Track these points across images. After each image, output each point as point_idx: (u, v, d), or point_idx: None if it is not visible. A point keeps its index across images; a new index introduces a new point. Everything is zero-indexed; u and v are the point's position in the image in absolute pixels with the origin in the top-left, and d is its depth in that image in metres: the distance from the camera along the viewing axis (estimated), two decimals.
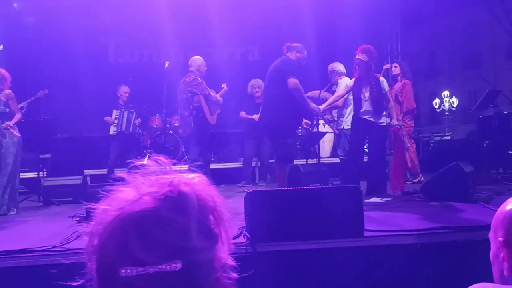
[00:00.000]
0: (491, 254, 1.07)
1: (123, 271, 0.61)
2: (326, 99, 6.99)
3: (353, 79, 5.99)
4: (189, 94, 5.92)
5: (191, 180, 0.69)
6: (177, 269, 0.61)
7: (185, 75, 6.13)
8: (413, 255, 3.10)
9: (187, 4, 8.83)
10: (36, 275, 2.83)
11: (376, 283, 3.06)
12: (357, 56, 5.73)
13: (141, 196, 0.65)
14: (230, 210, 0.73)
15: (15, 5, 9.28)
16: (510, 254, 1.00)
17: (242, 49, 10.10)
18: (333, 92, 6.94)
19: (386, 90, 5.90)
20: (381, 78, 5.91)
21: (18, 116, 5.63)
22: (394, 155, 6.29)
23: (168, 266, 0.61)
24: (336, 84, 6.67)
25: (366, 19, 9.27)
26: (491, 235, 1.07)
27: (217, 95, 6.25)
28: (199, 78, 6.00)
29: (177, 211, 0.64)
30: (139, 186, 0.67)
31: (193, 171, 0.72)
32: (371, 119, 5.76)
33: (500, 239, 1.02)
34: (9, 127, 5.40)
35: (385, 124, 5.84)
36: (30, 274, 2.87)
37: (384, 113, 5.84)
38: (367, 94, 5.75)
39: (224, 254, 0.70)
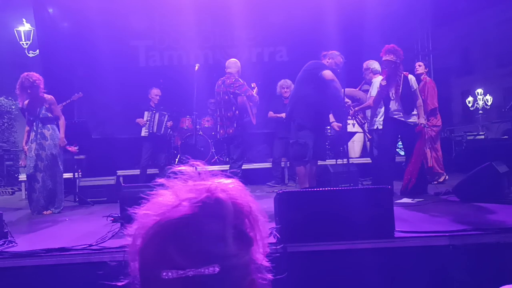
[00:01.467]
0: None
1: (164, 273, 0.64)
2: (359, 99, 6.95)
3: (381, 78, 5.96)
4: (231, 96, 5.95)
5: (227, 186, 0.72)
6: (215, 272, 0.65)
7: (222, 76, 6.16)
8: (444, 257, 3.06)
9: (214, 6, 8.92)
10: (74, 273, 2.95)
11: (406, 285, 3.03)
12: (384, 58, 5.69)
13: (180, 202, 0.69)
14: (263, 211, 0.76)
15: (50, 10, 9.59)
16: None
17: (270, 49, 10.11)
18: (365, 91, 6.90)
19: (415, 87, 5.83)
20: (410, 76, 5.85)
21: (63, 121, 5.71)
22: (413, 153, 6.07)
23: (206, 270, 0.64)
24: (370, 82, 6.61)
25: (395, 17, 9.14)
26: None
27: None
28: (240, 80, 6.04)
29: (214, 217, 0.68)
30: (178, 192, 0.70)
31: (230, 176, 0.76)
32: (401, 118, 5.72)
33: None
34: (66, 147, 5.57)
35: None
36: (69, 271, 2.99)
37: (414, 111, 5.77)
38: (394, 93, 5.71)
39: (259, 256, 0.74)
